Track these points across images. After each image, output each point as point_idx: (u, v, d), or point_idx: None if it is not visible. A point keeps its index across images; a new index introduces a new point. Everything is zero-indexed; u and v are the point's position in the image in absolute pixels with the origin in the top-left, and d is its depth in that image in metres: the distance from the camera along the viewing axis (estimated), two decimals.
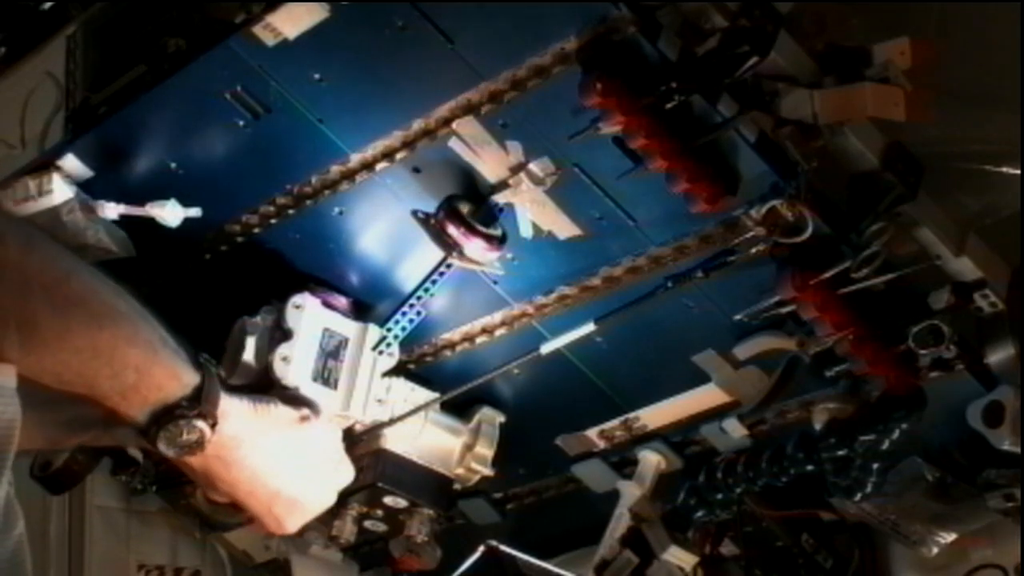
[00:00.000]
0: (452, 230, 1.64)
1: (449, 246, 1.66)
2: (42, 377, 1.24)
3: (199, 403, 1.34)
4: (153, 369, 1.31)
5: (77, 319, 1.24)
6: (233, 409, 1.40)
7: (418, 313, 1.72)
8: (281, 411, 1.48)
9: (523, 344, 1.74)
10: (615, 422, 1.86)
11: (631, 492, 1.83)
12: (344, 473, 1.56)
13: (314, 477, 1.50)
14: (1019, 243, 1.58)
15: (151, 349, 1.30)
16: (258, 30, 1.60)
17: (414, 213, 1.70)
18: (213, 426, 1.36)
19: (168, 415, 1.32)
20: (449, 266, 1.68)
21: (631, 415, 1.85)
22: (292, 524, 1.48)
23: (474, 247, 1.65)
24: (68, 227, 1.77)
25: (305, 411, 1.52)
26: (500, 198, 1.64)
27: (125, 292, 1.30)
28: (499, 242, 1.66)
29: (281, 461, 1.44)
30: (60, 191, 1.78)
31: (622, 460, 1.90)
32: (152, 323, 1.31)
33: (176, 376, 1.33)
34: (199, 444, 1.36)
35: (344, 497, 1.84)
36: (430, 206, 1.69)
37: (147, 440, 1.34)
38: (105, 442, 1.57)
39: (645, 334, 1.73)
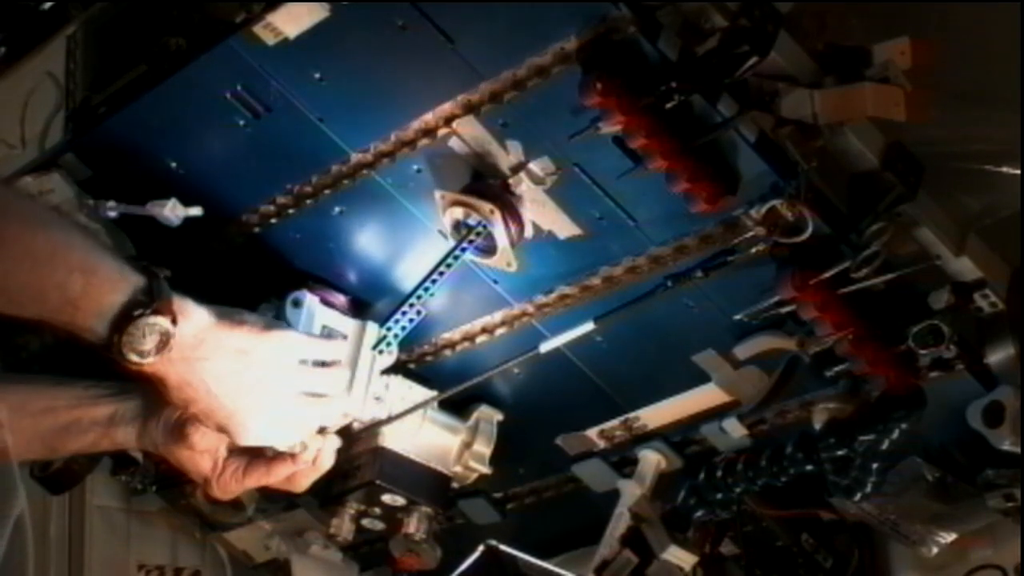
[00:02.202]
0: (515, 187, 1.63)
1: (500, 198, 1.64)
2: None
3: (153, 300, 1.31)
4: (98, 270, 1.28)
5: (7, 228, 1.22)
6: (190, 307, 1.37)
7: (418, 313, 1.72)
8: (245, 316, 1.44)
9: (523, 344, 1.73)
10: (615, 422, 1.86)
11: (631, 491, 1.83)
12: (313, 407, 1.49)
13: (271, 400, 1.44)
14: (1019, 243, 1.59)
15: (90, 250, 1.28)
16: (258, 30, 1.60)
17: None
18: (174, 321, 1.33)
19: (126, 318, 1.30)
20: (472, 241, 1.66)
21: (631, 415, 1.85)
22: (245, 440, 1.45)
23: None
24: None
25: (275, 323, 1.47)
26: None
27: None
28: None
29: (240, 374, 1.40)
30: (60, 191, 1.78)
31: (622, 460, 1.90)
32: (84, 229, 1.29)
33: (124, 277, 1.30)
34: (164, 343, 1.33)
35: (342, 495, 1.85)
36: (430, 206, 1.70)
37: (112, 354, 1.31)
38: (104, 447, 1.57)
39: (645, 334, 1.73)
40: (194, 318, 1.38)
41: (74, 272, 1.26)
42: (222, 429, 1.44)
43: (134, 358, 1.33)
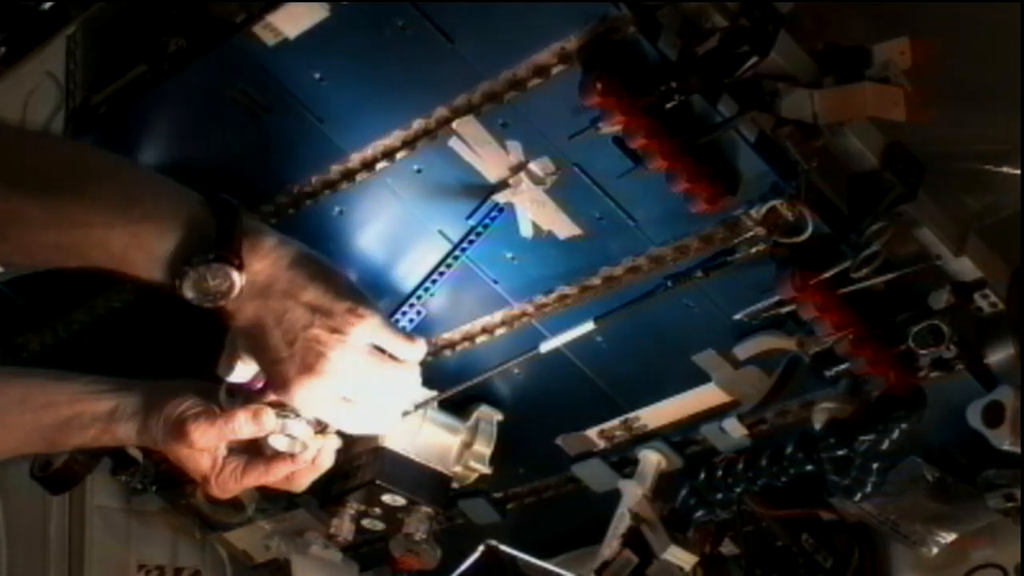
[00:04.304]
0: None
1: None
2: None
3: (215, 244, 1.28)
4: (142, 222, 1.24)
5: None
6: (265, 244, 1.32)
7: (418, 313, 1.72)
8: (331, 274, 1.37)
9: (523, 344, 1.73)
10: (615, 422, 1.86)
11: (632, 491, 1.83)
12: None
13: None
14: (1019, 243, 1.58)
15: (130, 200, 1.24)
16: (258, 30, 1.60)
17: None
18: (239, 267, 1.29)
19: (182, 263, 1.27)
20: (472, 242, 1.66)
21: (631, 415, 1.85)
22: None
23: None
24: None
25: (358, 293, 1.40)
26: (500, 198, 1.65)
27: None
28: None
29: (304, 328, 1.35)
30: None
31: (622, 460, 1.90)
32: (122, 172, 1.26)
33: (172, 223, 1.26)
34: (229, 288, 1.28)
35: (342, 495, 1.85)
36: (430, 206, 1.70)
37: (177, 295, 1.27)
38: (105, 442, 1.57)
39: (645, 334, 1.73)
40: (270, 257, 1.33)
41: (114, 228, 1.22)
42: (270, 379, 1.39)
43: (196, 301, 1.29)
